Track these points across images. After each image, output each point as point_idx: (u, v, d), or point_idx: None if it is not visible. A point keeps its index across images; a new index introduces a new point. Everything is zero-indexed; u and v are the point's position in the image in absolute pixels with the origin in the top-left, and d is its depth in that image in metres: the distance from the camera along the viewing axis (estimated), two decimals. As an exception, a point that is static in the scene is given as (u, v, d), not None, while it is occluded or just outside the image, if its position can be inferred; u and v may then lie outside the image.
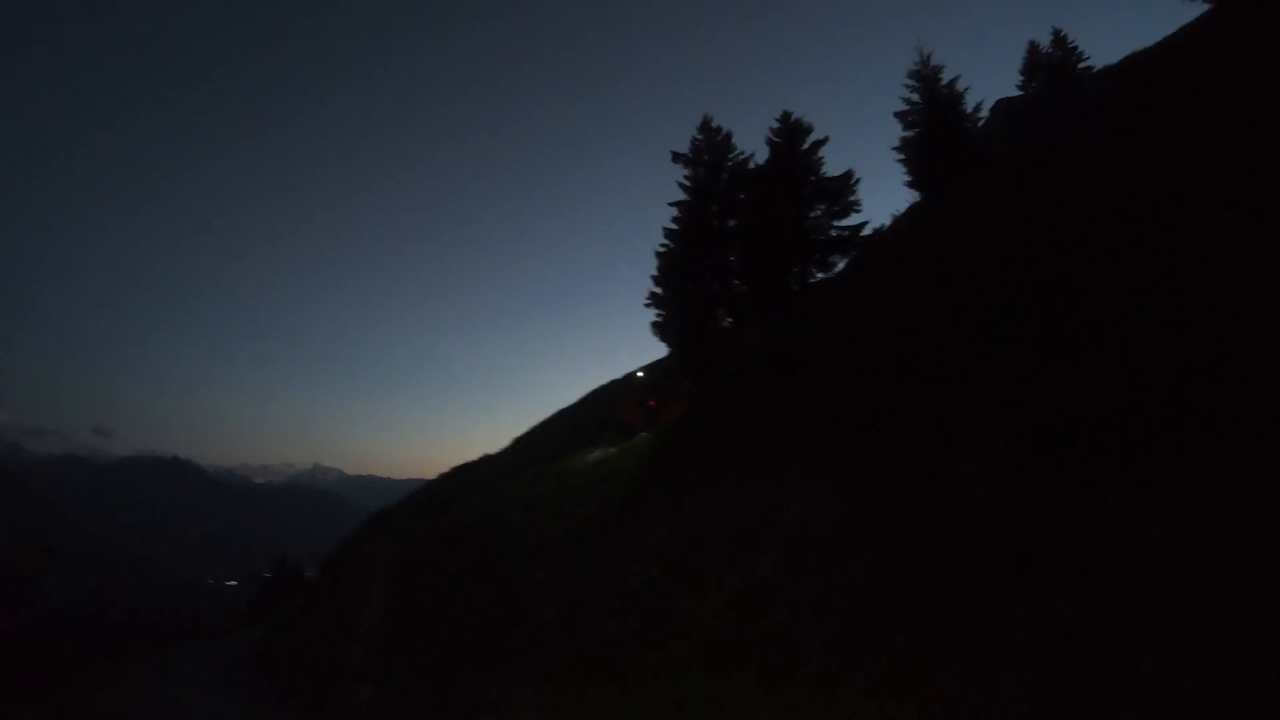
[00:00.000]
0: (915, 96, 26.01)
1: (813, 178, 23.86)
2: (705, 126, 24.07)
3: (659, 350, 28.38)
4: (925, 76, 25.85)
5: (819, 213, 23.98)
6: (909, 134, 26.39)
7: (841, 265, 24.20)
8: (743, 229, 23.92)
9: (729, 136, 24.13)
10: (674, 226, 24.03)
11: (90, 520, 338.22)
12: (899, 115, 26.43)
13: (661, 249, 24.10)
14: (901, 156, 26.63)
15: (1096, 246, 12.64)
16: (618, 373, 36.51)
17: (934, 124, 25.62)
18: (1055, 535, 8.12)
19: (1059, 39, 30.57)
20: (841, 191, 23.89)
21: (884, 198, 33.26)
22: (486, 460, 35.62)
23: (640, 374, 33.59)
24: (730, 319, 24.72)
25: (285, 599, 43.93)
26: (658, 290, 24.13)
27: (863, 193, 24.37)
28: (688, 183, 24.06)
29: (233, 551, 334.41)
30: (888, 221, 25.52)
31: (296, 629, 28.06)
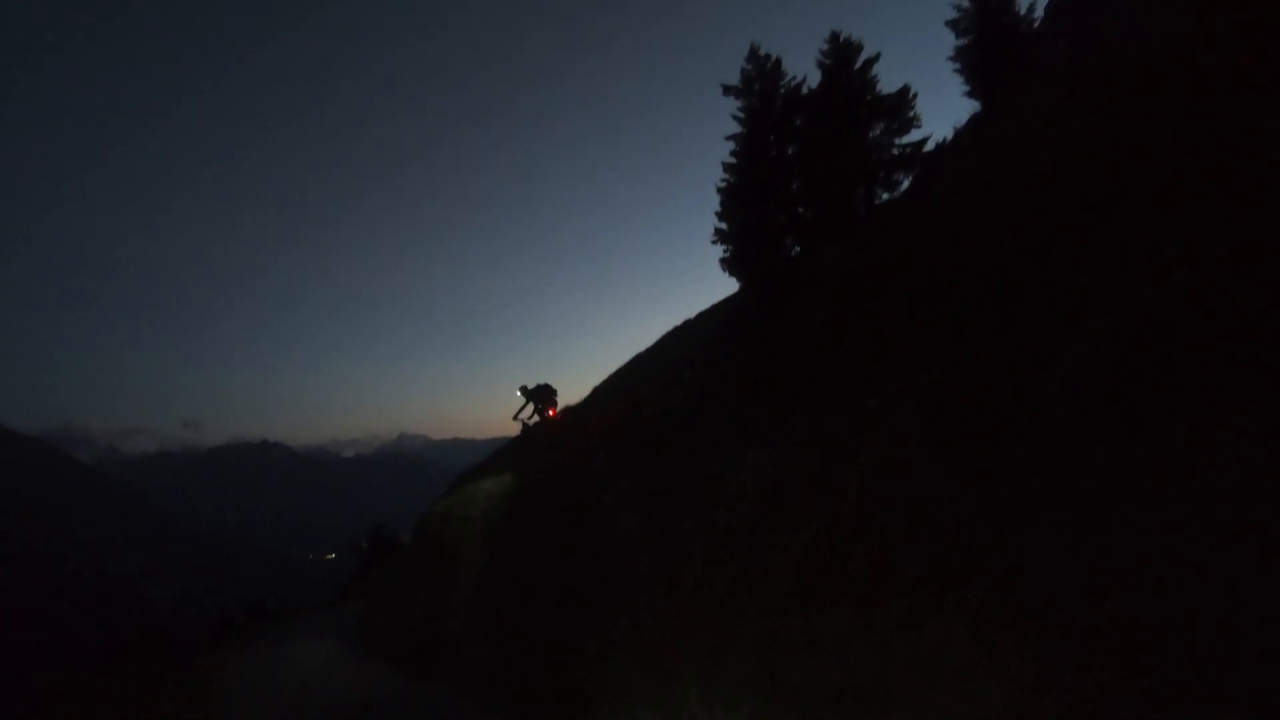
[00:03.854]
0: (965, 2, 25.27)
1: (868, 96, 23.28)
2: (754, 55, 23.56)
3: (729, 286, 28.44)
4: (973, -21, 25.09)
5: (878, 131, 23.44)
6: (962, 42, 25.69)
7: (907, 183, 23.69)
8: (802, 155, 23.54)
9: (779, 63, 23.59)
10: (732, 160, 23.70)
11: (187, 512, 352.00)
12: (950, 24, 25.67)
13: (722, 184, 23.82)
14: (957, 66, 25.98)
15: (1168, 143, 12.16)
16: (690, 312, 36.49)
17: (987, 28, 24.87)
18: (1145, 449, 7.96)
19: (1112, -78, 29.07)
20: (899, 108, 23.30)
21: (944, 111, 32.48)
22: (568, 411, 35.95)
23: (520, 389, 36.80)
24: (798, 247, 24.42)
25: (383, 567, 45.11)
26: (722, 226, 23.90)
27: (921, 107, 23.68)
28: (742, 114, 23.65)
29: (329, 526, 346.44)
30: (950, 135, 24.95)
31: (396, 596, 28.82)
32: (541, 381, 37.20)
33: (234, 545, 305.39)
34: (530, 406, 37.09)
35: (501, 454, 35.62)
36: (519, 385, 37.03)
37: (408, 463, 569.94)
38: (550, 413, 36.86)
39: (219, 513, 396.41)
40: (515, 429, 36.82)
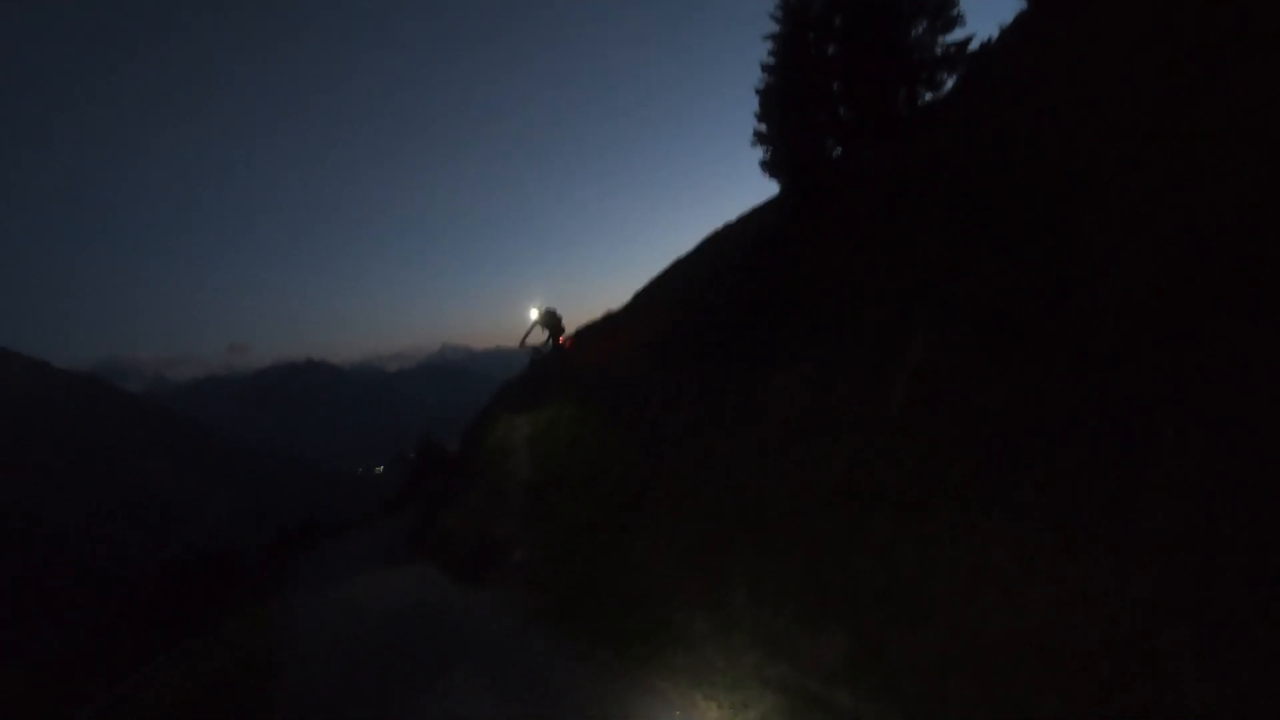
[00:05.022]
0: (1013, -107, 24.26)
1: (910, -8, 22.56)
2: (792, -49, 22.86)
3: (770, 188, 28.17)
4: None
5: (921, 30, 22.69)
6: (1011, -64, 24.74)
7: (951, 84, 23.05)
8: (843, 55, 22.90)
9: (818, -41, 22.86)
10: (772, 60, 23.17)
11: (238, 434, 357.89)
12: (999, -85, 24.75)
13: (762, 85, 23.38)
14: (1004, -38, 25.06)
15: (1225, 50, 11.67)
16: (731, 215, 36.21)
17: (1035, -79, 23.87)
18: (1194, 358, 7.88)
19: None
20: (943, 5, 22.47)
21: (990, 8, 31.56)
22: (610, 318, 36.07)
23: (535, 309, 36.86)
24: (840, 149, 23.97)
25: (432, 477, 46.06)
26: (762, 128, 23.51)
27: (965, 5, 22.93)
28: (780, 13, 23.05)
29: (377, 440, 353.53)
30: (995, 34, 24.19)
31: (447, 505, 29.42)
32: (549, 306, 37.08)
33: (284, 464, 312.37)
34: (543, 331, 37.11)
35: (541, 365, 35.93)
36: (533, 306, 36.86)
37: (452, 373, 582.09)
38: (560, 339, 36.90)
39: (269, 433, 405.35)
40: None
